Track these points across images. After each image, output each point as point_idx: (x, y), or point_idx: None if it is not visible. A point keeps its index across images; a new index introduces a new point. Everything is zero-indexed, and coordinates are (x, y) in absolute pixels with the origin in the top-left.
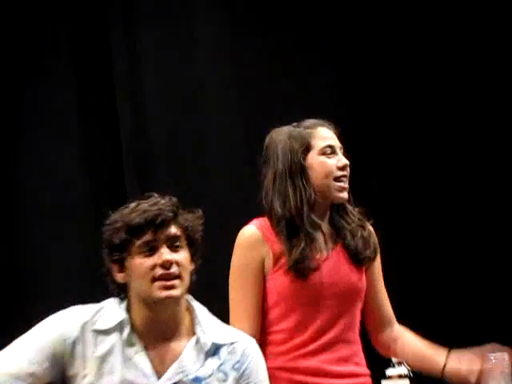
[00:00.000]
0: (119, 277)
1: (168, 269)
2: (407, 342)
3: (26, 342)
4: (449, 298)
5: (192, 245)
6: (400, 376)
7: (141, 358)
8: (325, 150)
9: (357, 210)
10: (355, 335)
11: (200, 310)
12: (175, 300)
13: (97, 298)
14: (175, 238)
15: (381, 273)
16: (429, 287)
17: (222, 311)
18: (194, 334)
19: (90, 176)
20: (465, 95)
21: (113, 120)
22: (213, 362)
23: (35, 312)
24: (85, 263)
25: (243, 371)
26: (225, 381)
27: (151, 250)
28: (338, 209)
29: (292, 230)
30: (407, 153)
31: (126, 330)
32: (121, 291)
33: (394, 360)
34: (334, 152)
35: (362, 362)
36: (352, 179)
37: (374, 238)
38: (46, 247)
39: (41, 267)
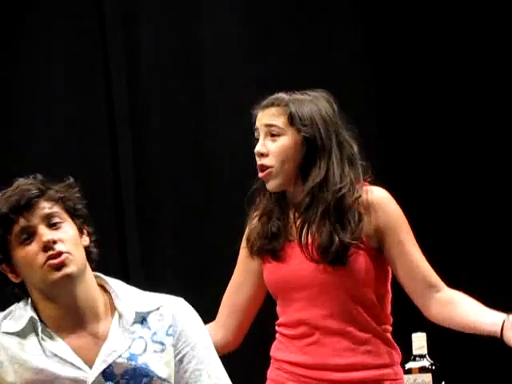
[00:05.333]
0: (13, 277)
1: (51, 249)
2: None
3: None
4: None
5: (75, 216)
6: (421, 369)
7: (64, 351)
8: (255, 140)
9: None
10: (362, 325)
11: (115, 283)
12: (73, 278)
13: None
14: (50, 215)
15: (403, 246)
16: None
17: None
18: (115, 310)
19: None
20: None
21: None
22: (144, 334)
23: None
24: None
25: (179, 334)
26: (163, 350)
27: (29, 236)
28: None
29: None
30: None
31: (40, 328)
32: (22, 293)
33: (414, 352)
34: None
35: (377, 350)
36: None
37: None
38: None
39: None
